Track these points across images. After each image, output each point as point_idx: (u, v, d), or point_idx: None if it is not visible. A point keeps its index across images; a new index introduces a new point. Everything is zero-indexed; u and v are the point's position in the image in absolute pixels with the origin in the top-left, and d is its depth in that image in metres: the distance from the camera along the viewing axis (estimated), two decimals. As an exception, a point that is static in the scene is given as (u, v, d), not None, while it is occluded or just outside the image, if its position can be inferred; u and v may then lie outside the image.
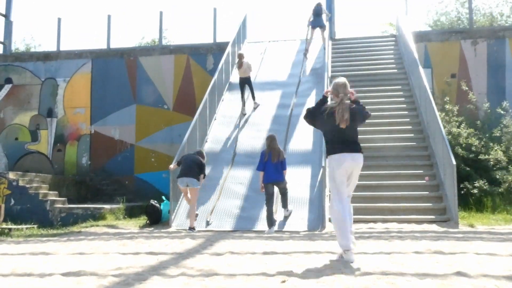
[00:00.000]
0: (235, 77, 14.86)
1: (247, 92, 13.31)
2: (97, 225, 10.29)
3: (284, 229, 8.83)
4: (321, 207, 9.27)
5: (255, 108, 13.34)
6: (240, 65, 13.08)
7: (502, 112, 13.49)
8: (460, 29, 16.69)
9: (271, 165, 8.85)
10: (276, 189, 9.05)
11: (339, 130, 5.16)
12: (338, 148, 5.17)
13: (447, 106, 13.54)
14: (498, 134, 12.77)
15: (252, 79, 13.49)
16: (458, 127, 12.82)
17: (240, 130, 12.47)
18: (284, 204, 9.20)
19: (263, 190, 8.90)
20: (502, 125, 13.03)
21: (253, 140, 11.99)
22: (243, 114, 13.11)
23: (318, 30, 15.85)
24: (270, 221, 8.77)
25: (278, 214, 9.25)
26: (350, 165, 5.17)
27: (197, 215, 9.45)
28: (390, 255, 5.59)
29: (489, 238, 7.08)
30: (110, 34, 17.09)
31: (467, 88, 14.22)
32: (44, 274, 4.81)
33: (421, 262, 5.15)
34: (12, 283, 4.52)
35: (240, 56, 13.23)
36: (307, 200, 9.75)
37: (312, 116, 5.48)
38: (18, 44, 25.84)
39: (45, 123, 16.71)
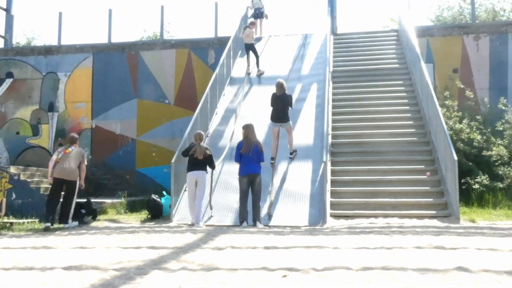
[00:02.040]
0: (236, 72, 14.91)
1: (252, 57, 14.79)
2: (99, 219, 10.31)
3: (285, 224, 8.80)
4: (322, 202, 9.26)
5: (258, 75, 14.61)
6: (244, 31, 14.90)
7: (503, 107, 13.44)
8: (462, 24, 16.60)
9: (246, 157, 8.73)
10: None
11: None
12: None
13: (447, 102, 13.49)
14: (500, 129, 12.73)
15: (251, 73, 14.73)
16: (460, 122, 12.78)
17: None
18: (256, 216, 8.53)
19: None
20: (504, 121, 13.00)
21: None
22: (247, 73, 14.65)
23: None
24: (242, 219, 8.62)
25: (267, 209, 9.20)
26: None
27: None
28: (391, 250, 5.59)
29: (490, 234, 7.08)
30: (111, 29, 17.04)
31: (463, 86, 14.13)
32: (45, 268, 4.83)
33: (422, 257, 5.16)
34: (14, 276, 4.53)
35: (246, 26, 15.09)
36: (308, 195, 9.73)
37: None
38: (19, 38, 25.78)
39: (46, 117, 16.70)
